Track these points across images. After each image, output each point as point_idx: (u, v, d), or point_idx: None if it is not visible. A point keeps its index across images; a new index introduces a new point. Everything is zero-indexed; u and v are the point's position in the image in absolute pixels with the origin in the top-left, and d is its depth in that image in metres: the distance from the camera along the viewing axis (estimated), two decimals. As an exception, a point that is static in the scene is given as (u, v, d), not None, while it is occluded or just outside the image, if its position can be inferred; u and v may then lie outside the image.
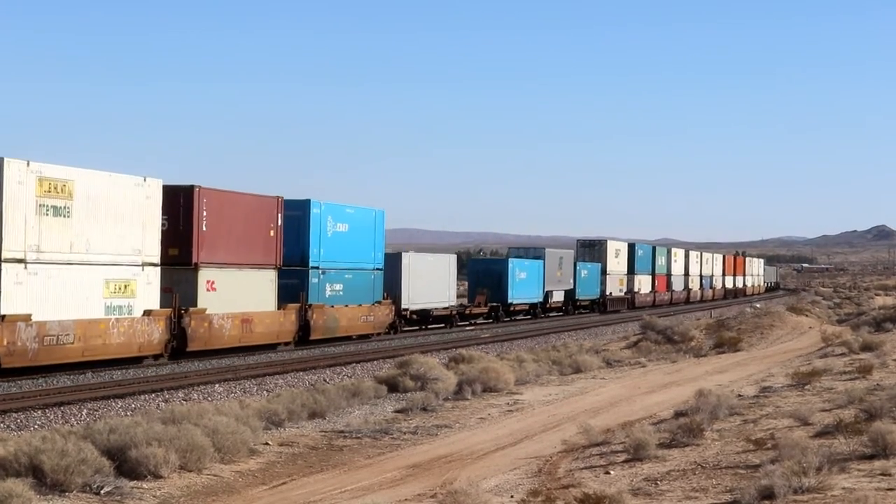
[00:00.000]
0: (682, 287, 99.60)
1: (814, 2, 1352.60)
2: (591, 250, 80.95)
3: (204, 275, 33.80)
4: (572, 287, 73.01)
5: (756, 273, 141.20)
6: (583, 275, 74.78)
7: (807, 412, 17.45)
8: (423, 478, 15.54)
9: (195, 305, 33.12)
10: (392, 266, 47.70)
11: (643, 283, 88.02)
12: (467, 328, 54.53)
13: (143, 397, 24.67)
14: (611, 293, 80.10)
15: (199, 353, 33.43)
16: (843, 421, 15.82)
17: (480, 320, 59.10)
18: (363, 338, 43.95)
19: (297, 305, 38.76)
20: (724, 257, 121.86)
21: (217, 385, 27.22)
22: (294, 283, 39.18)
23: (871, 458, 13.53)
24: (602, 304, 78.34)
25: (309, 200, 40.42)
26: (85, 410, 22.50)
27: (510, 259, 64.71)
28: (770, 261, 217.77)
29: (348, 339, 43.06)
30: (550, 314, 70.09)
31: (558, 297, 71.13)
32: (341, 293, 42.14)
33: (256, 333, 36.03)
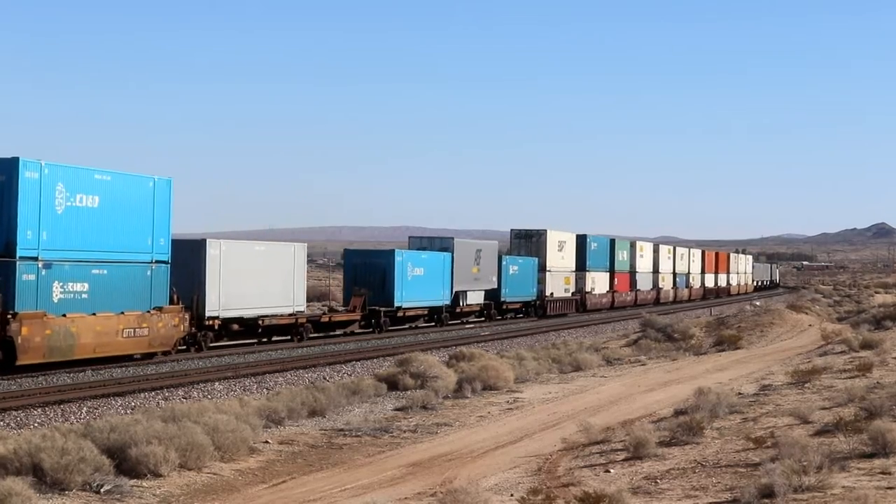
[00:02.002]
0: (651, 286, 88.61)
1: (814, 1, 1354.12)
2: (528, 242, 67.18)
3: None
4: (497, 286, 59.75)
5: (743, 271, 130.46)
6: (511, 271, 61.33)
7: (807, 410, 17.46)
8: (423, 476, 15.54)
9: None
10: (191, 258, 35.32)
11: (598, 282, 75.79)
12: (340, 340, 42.52)
13: (142, 395, 24.72)
14: (552, 294, 66.89)
15: None
16: (843, 419, 15.83)
17: (357, 329, 46.03)
18: (147, 357, 31.73)
19: None
20: (702, 253, 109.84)
21: (217, 383, 27.27)
22: None
23: (870, 456, 13.55)
24: (540, 308, 65.23)
25: (17, 159, 27.23)
26: (85, 408, 22.54)
27: (398, 251, 50.75)
28: (770, 258, 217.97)
29: (128, 359, 31.09)
30: (467, 320, 57.57)
31: (475, 298, 57.75)
32: (86, 296, 29.09)
33: None
